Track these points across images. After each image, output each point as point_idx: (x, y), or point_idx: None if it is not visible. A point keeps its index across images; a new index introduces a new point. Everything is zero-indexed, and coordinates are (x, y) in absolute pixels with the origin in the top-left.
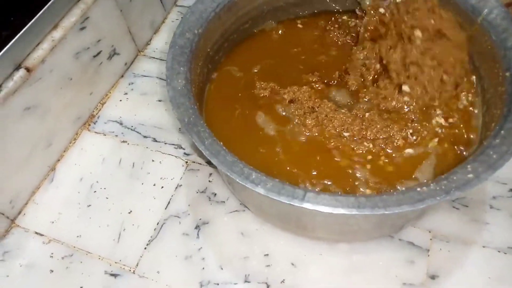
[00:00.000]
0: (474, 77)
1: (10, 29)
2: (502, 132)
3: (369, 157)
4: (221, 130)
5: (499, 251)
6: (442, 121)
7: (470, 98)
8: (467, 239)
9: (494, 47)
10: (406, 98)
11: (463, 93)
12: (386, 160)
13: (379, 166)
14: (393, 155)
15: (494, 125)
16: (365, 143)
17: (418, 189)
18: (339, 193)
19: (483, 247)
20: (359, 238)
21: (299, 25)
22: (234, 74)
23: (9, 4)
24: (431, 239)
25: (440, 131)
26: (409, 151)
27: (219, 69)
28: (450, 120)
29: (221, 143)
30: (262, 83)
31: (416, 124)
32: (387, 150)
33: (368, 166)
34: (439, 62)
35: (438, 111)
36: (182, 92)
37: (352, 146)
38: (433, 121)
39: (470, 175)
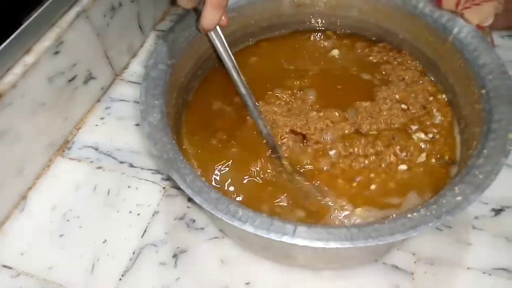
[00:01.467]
0: (443, 95)
1: None
2: (485, 151)
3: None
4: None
5: (483, 273)
6: (422, 135)
7: (443, 115)
8: (451, 261)
9: (467, 65)
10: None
11: (435, 110)
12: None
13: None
14: (388, 171)
15: (475, 143)
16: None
17: (409, 215)
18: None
19: (468, 268)
20: (345, 265)
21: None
22: (209, 101)
23: None
24: (415, 262)
25: (424, 146)
26: (402, 167)
27: (193, 97)
28: (430, 134)
29: (203, 178)
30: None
31: (400, 141)
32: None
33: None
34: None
35: (414, 127)
36: (158, 126)
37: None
38: (414, 137)
39: (459, 198)
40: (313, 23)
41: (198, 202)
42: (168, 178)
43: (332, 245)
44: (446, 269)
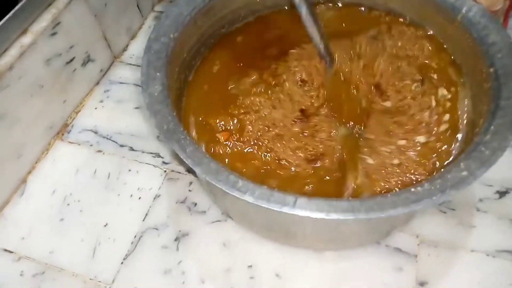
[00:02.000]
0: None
1: None
2: (492, 128)
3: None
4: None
5: (487, 255)
6: (445, 92)
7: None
8: (455, 244)
9: (476, 44)
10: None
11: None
12: None
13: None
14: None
15: (482, 121)
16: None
17: (413, 189)
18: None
19: (472, 251)
20: (346, 245)
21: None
22: (212, 78)
23: None
24: (418, 244)
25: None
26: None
27: (196, 74)
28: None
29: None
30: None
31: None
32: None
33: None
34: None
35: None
36: (159, 98)
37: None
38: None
39: (464, 173)
40: None
41: (197, 172)
42: (170, 162)
43: (333, 216)
44: (449, 252)
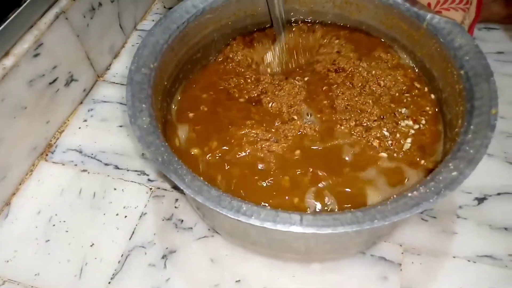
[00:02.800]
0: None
1: None
2: (472, 127)
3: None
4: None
5: (468, 261)
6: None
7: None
8: (437, 251)
9: (443, 49)
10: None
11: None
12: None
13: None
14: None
15: (460, 121)
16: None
17: (410, 194)
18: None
19: (454, 257)
20: (333, 258)
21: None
22: (193, 104)
23: None
24: (402, 253)
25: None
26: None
27: (176, 101)
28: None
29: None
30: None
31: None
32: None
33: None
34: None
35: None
36: (149, 130)
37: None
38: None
39: (454, 173)
40: (292, 16)
41: (200, 201)
42: (155, 179)
43: (340, 229)
44: (432, 259)
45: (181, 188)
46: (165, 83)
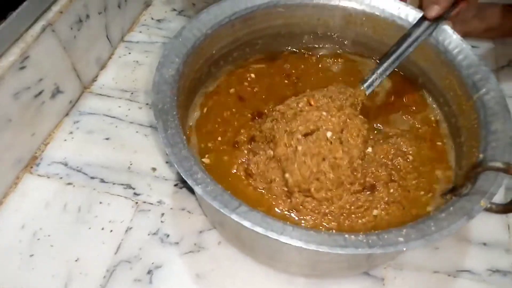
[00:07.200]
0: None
1: None
2: (451, 208)
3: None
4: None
5: (449, 275)
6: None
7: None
8: (419, 266)
9: (479, 128)
10: None
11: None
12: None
13: None
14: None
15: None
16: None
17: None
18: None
19: (434, 272)
20: (330, 274)
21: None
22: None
23: None
24: (385, 267)
25: None
26: None
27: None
28: None
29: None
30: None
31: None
32: None
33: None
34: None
35: None
36: (168, 80)
37: None
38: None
39: (400, 239)
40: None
41: (198, 192)
42: (141, 193)
43: (350, 251)
44: (414, 274)
45: (214, 206)
46: (209, 55)
